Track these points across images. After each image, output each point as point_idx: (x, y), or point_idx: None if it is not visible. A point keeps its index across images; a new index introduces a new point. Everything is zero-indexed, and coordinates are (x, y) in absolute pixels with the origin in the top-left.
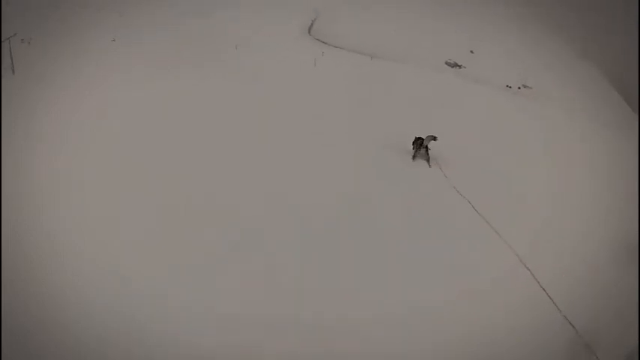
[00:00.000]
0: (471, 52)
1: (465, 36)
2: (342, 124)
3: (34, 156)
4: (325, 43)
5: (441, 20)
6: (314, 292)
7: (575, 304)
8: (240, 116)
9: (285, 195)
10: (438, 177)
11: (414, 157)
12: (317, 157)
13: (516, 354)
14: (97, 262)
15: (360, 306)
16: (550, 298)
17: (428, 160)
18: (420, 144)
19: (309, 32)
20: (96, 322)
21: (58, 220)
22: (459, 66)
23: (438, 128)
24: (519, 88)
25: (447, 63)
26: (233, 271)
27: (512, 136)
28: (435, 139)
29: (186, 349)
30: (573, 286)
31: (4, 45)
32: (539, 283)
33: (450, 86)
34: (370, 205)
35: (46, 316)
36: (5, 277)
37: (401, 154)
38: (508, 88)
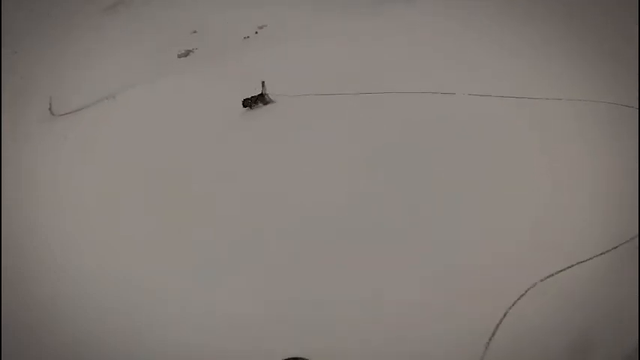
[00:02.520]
0: (195, 31)
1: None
2: None
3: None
4: None
5: None
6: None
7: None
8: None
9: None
10: None
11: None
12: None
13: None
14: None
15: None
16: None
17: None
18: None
19: None
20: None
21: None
22: (192, 51)
23: None
24: (256, 32)
25: (179, 56)
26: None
27: None
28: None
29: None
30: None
31: None
32: None
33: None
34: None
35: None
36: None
37: None
38: (247, 38)
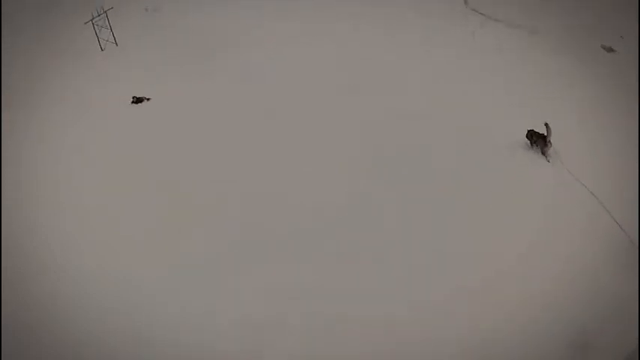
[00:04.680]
0: (621, 37)
1: (616, 19)
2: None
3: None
4: (483, 15)
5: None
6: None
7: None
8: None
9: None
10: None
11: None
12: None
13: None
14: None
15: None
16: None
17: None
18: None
19: (465, 3)
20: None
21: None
22: (614, 51)
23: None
24: None
25: (602, 47)
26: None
27: None
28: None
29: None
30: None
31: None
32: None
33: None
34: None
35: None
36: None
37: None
38: None
